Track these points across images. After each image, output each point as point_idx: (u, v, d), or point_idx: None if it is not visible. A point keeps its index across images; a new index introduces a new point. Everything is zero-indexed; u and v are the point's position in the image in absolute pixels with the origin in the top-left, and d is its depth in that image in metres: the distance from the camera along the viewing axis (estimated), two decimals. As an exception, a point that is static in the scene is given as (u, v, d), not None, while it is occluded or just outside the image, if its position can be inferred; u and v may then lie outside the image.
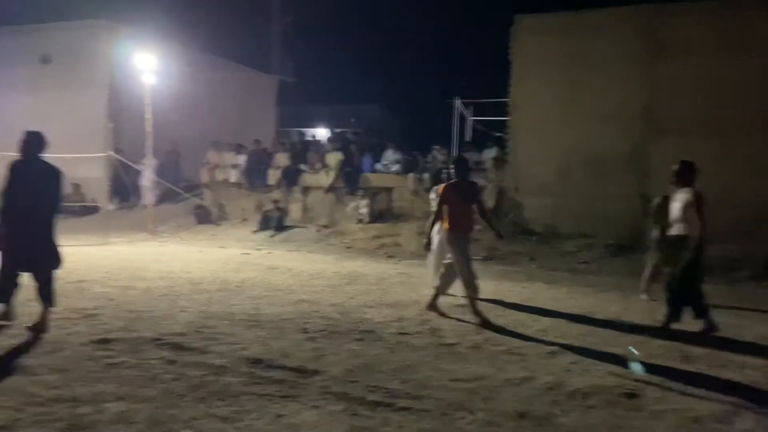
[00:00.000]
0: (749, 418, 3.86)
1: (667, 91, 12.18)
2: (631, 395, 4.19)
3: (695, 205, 5.98)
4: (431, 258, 7.79)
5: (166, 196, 16.72)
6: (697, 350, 5.47)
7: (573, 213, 12.44)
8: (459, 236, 6.44)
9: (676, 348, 5.54)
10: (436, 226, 6.90)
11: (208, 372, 4.42)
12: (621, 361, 5.05)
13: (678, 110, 12.08)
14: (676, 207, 6.14)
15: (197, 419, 3.60)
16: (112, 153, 16.00)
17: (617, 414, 3.88)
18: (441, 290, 6.75)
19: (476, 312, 6.37)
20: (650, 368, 4.84)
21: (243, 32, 22.16)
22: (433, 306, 6.70)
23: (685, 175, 6.16)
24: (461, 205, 6.47)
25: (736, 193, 10.89)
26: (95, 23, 17.09)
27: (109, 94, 16.93)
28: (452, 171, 6.68)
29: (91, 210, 16.29)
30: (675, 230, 6.15)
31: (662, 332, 6.02)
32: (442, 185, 6.80)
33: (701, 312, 6.10)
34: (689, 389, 4.38)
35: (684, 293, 6.09)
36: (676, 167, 6.22)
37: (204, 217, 15.75)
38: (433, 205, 7.85)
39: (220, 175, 16.76)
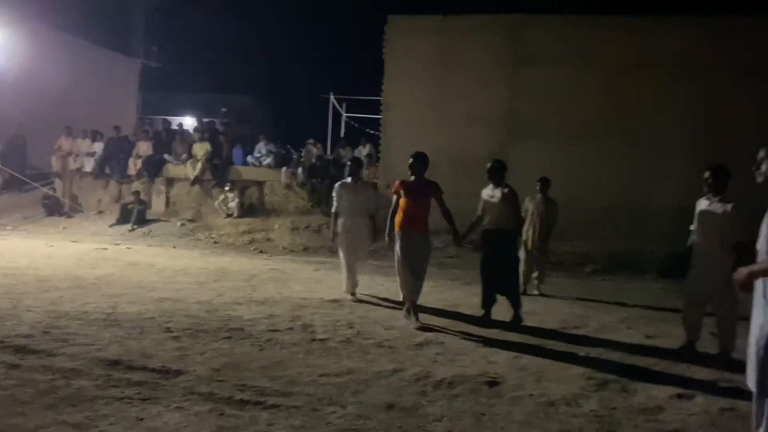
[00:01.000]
0: (594, 398, 4.21)
1: (528, 97, 12.99)
2: (493, 383, 4.41)
3: (510, 201, 6.40)
4: (343, 257, 7.55)
5: (9, 185, 15.25)
6: (549, 341, 5.88)
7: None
8: (404, 235, 6.31)
9: (531, 338, 5.92)
10: (340, 221, 7.19)
11: (58, 376, 4.07)
12: (483, 350, 5.31)
13: (537, 115, 12.93)
14: (491, 204, 6.52)
15: (45, 427, 3.29)
16: (-57, 135, 14.32)
17: (480, 401, 4.07)
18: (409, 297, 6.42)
19: (411, 314, 6.28)
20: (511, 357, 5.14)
21: (100, 11, 20.60)
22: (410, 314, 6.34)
23: (498, 174, 6.55)
24: (410, 203, 6.33)
25: (584, 194, 11.87)
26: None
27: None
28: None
29: None
30: (491, 225, 6.54)
31: (515, 324, 6.39)
32: (396, 181, 6.65)
33: (516, 303, 6.51)
34: (544, 375, 4.69)
35: (502, 285, 6.51)
36: (488, 165, 6.61)
37: (54, 208, 14.52)
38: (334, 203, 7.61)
39: (73, 164, 15.53)
